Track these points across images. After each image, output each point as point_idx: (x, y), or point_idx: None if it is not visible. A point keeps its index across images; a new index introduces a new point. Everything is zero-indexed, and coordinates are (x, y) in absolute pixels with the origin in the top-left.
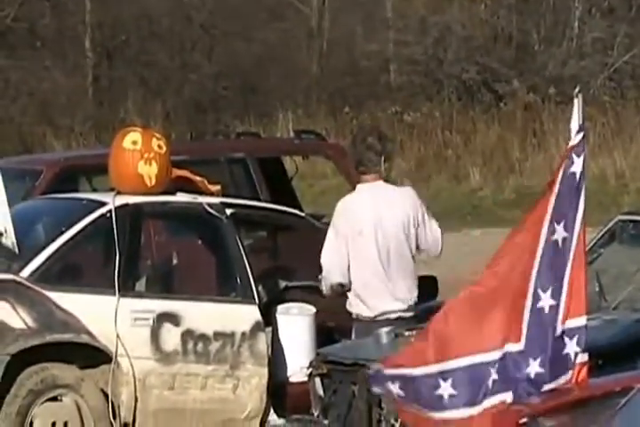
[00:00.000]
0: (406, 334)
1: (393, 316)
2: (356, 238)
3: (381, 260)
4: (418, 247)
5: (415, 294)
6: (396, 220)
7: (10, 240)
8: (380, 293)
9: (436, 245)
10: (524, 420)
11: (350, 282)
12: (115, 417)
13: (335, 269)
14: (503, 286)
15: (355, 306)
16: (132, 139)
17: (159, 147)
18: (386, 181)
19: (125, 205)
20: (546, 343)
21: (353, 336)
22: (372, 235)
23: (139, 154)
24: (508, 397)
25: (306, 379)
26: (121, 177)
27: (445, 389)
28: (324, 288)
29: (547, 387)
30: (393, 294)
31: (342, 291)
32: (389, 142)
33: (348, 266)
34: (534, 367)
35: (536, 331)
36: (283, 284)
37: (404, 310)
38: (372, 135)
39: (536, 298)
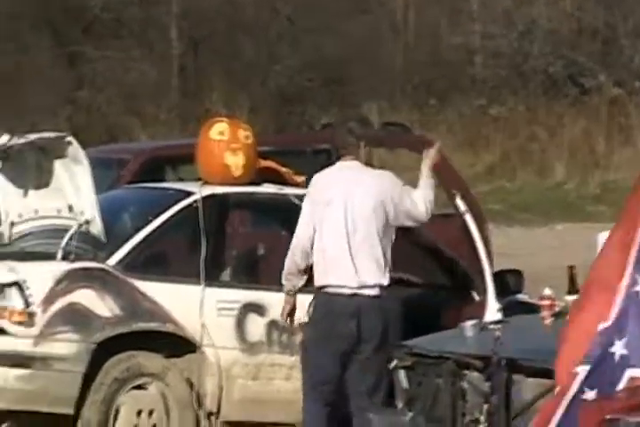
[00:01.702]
0: (491, 327)
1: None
2: (324, 208)
3: (348, 233)
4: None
5: (382, 282)
6: (366, 200)
7: (97, 229)
8: (343, 267)
9: (415, 213)
10: (609, 416)
11: (313, 254)
12: (199, 406)
13: (304, 241)
14: (599, 273)
15: (318, 278)
16: (218, 129)
17: (246, 137)
18: (368, 164)
19: (212, 196)
20: (636, 326)
21: (311, 309)
22: (341, 207)
23: (225, 144)
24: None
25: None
26: (208, 167)
27: None
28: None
29: (629, 372)
30: (357, 272)
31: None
32: (371, 128)
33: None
34: (618, 348)
35: (628, 312)
36: None
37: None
38: (354, 120)
39: (633, 281)
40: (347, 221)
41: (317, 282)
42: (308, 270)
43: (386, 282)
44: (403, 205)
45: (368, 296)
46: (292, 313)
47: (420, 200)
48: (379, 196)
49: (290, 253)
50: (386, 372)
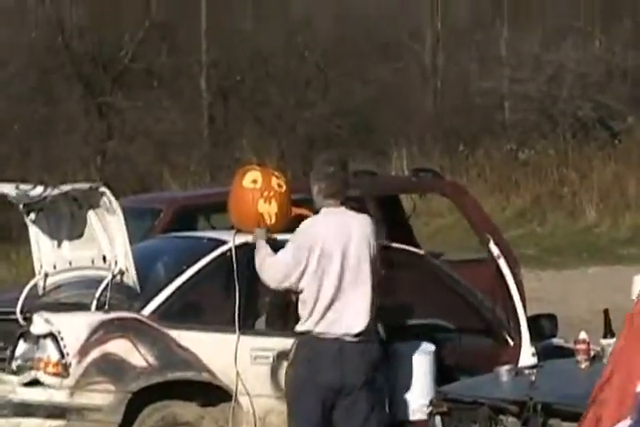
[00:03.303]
0: (526, 371)
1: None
2: (323, 259)
3: (342, 283)
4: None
5: (368, 326)
6: (359, 248)
7: (131, 279)
8: (333, 314)
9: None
10: None
11: (304, 299)
12: None
13: (292, 282)
14: None
15: (306, 323)
16: (251, 178)
17: (279, 185)
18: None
19: (245, 244)
20: None
21: (294, 351)
22: (338, 258)
23: (259, 193)
24: None
25: (426, 417)
26: (241, 216)
27: None
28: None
29: None
30: (345, 319)
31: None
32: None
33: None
34: None
35: None
36: (403, 321)
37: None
38: (342, 160)
39: None
40: (343, 273)
41: (304, 327)
42: None
43: (369, 326)
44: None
45: (353, 342)
46: None
47: None
48: (369, 242)
49: (276, 275)
50: (374, 415)
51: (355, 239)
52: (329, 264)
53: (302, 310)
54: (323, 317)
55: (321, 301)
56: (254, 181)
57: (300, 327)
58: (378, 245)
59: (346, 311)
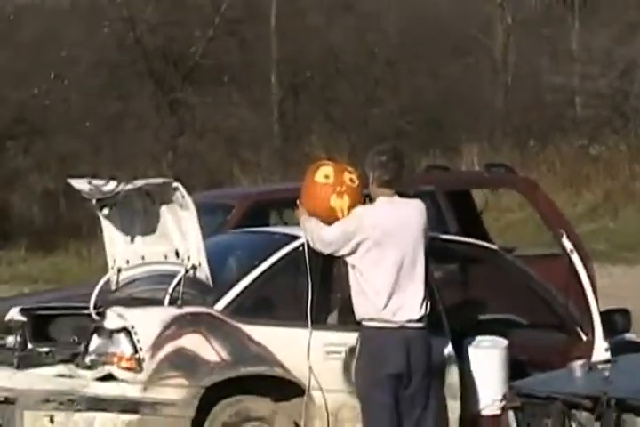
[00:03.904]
0: (599, 366)
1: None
2: (371, 245)
3: (399, 271)
4: None
5: (425, 313)
6: (415, 235)
7: (204, 274)
8: (392, 302)
9: None
10: None
11: (361, 289)
12: None
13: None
14: None
15: (365, 312)
16: (324, 173)
17: (351, 180)
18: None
19: None
20: None
21: (359, 345)
22: (394, 243)
23: (331, 188)
24: None
25: (499, 412)
26: (314, 211)
27: None
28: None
29: None
30: (405, 306)
31: None
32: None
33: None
34: None
35: None
36: (475, 316)
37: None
38: (395, 150)
39: None
40: (402, 261)
41: (368, 315)
42: None
43: (426, 313)
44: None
45: (415, 328)
46: None
47: None
48: (424, 229)
49: (322, 240)
50: (433, 403)
51: (411, 227)
52: (384, 252)
53: (362, 300)
54: (386, 305)
55: (382, 289)
56: (327, 177)
57: (364, 316)
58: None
59: (407, 299)
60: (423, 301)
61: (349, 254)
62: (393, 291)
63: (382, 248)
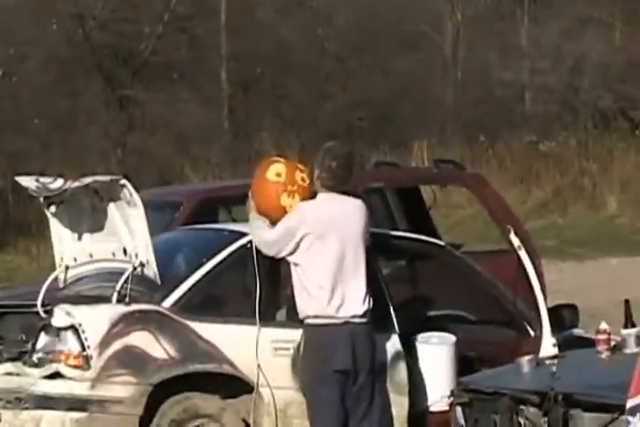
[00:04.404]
0: (547, 362)
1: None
2: (318, 242)
3: (340, 266)
4: None
5: (365, 308)
6: (356, 232)
7: (152, 271)
8: (335, 298)
9: None
10: None
11: (303, 286)
12: None
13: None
14: None
15: (308, 309)
16: (275, 170)
17: (302, 179)
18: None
19: None
20: None
21: (304, 343)
22: (334, 239)
23: (282, 187)
24: None
25: (447, 408)
26: (264, 208)
27: None
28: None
29: None
30: (347, 302)
31: None
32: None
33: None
34: None
35: None
36: (423, 313)
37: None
38: (349, 157)
39: None
40: (343, 257)
41: (312, 312)
42: None
43: (369, 308)
44: None
45: (360, 324)
46: None
47: None
48: (365, 226)
49: (266, 242)
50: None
51: (352, 224)
52: (326, 247)
53: (305, 298)
54: (330, 300)
55: (324, 284)
56: (278, 175)
57: (308, 311)
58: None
59: (349, 294)
60: (365, 296)
61: (292, 253)
62: (335, 285)
63: (324, 242)
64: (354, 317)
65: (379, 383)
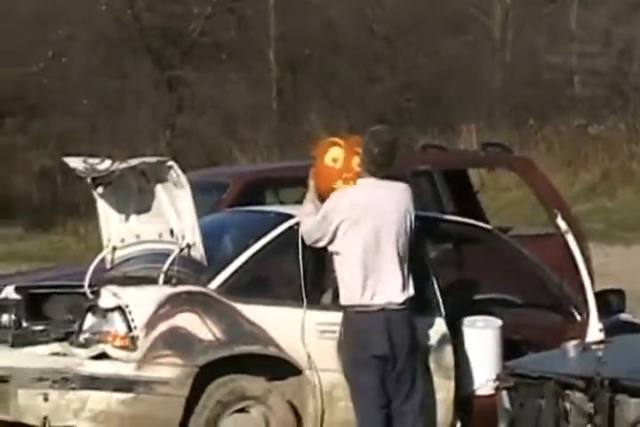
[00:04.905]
0: (593, 347)
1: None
2: (347, 228)
3: (374, 253)
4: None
5: (405, 296)
6: (394, 215)
7: (198, 253)
8: (372, 285)
9: None
10: None
11: (341, 272)
12: None
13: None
14: None
15: (347, 297)
16: (333, 155)
17: (359, 165)
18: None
19: None
20: None
21: (342, 328)
22: (369, 226)
23: (338, 173)
24: None
25: (493, 392)
26: (320, 191)
27: None
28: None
29: None
30: (385, 289)
31: None
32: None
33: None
34: None
35: None
36: (470, 296)
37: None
38: (393, 144)
39: None
40: (378, 244)
41: (348, 301)
42: None
43: (411, 293)
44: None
45: (396, 310)
46: None
47: None
48: (405, 212)
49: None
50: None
51: (389, 210)
52: (360, 235)
53: (343, 288)
54: (364, 288)
55: (356, 274)
56: (335, 160)
57: (344, 301)
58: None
59: (386, 282)
60: (404, 283)
61: (331, 242)
62: (367, 275)
63: (359, 229)
64: (390, 304)
65: (421, 367)
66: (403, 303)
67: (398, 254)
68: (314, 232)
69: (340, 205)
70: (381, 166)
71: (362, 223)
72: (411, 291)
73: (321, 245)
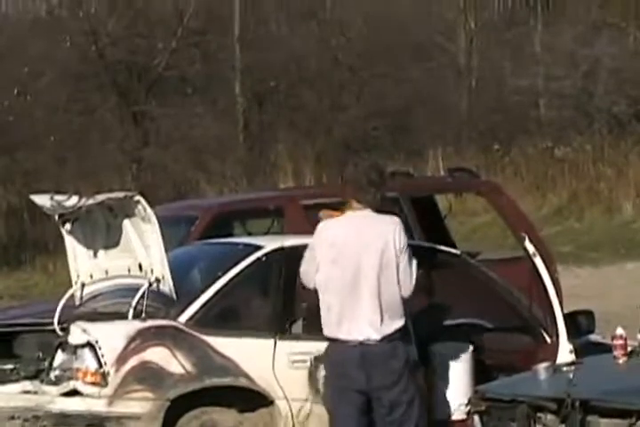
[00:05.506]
0: (564, 368)
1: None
2: (329, 261)
3: (352, 288)
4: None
5: (384, 332)
6: (372, 252)
7: (167, 286)
8: (349, 321)
9: (405, 282)
10: None
11: (321, 303)
12: None
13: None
14: None
15: (326, 330)
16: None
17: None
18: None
19: (280, 249)
20: None
21: (324, 358)
22: (351, 261)
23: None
24: None
25: (465, 417)
26: None
27: None
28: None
29: None
30: (363, 325)
31: None
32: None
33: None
34: None
35: None
36: (440, 322)
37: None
38: (374, 170)
39: None
40: (358, 280)
41: (327, 333)
42: None
43: (393, 328)
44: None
45: (374, 346)
46: None
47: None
48: (391, 246)
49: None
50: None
51: (372, 245)
52: (339, 268)
53: (322, 315)
54: (340, 324)
55: (336, 307)
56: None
57: (324, 332)
58: (405, 244)
59: (363, 318)
60: (382, 318)
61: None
62: (343, 309)
63: (338, 263)
64: (368, 340)
65: (413, 395)
66: (381, 340)
67: (378, 290)
68: (305, 273)
69: (322, 237)
70: (369, 191)
71: (340, 259)
72: (394, 325)
73: (312, 286)
